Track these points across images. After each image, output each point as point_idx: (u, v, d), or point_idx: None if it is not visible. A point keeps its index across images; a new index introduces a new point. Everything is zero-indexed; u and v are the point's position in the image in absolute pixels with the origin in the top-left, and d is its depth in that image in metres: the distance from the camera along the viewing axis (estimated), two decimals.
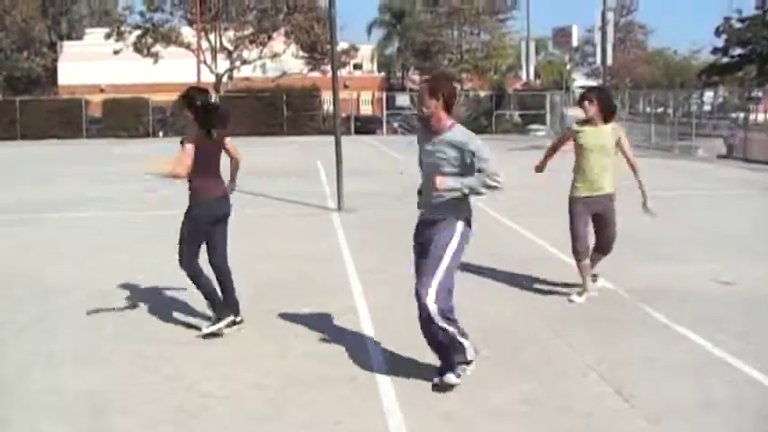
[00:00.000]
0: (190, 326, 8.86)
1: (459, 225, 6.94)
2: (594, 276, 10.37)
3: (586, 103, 9.79)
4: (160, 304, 9.71)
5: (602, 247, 10.19)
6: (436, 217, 6.99)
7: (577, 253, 9.96)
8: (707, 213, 17.52)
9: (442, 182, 6.75)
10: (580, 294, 9.98)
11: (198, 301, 9.01)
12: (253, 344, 8.28)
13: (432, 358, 7.24)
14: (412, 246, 7.28)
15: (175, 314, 9.33)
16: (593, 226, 10.07)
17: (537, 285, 10.70)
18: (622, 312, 9.47)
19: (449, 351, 6.90)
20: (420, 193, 7.23)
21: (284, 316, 9.18)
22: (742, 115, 48.17)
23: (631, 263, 11.58)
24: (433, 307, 6.65)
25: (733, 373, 7.46)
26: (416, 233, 7.21)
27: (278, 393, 6.93)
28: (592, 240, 10.12)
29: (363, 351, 8.01)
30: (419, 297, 6.73)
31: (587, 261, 10.01)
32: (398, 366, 7.49)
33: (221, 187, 8.58)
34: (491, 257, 11.87)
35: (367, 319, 9.11)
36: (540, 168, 10.61)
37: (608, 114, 9.91)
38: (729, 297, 10.19)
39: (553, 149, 10.44)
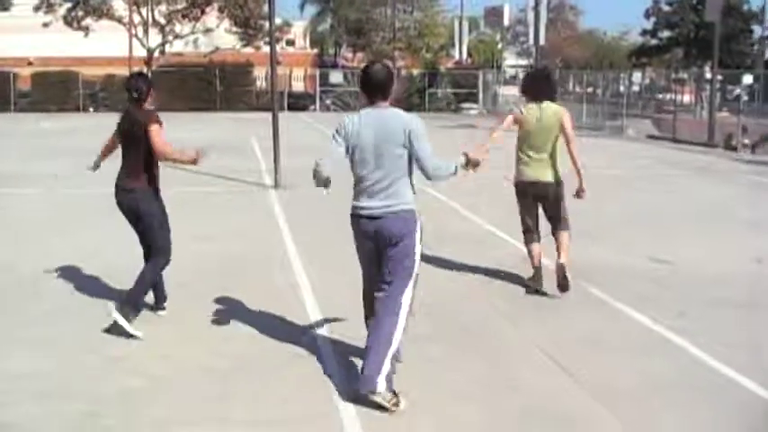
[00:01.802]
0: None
1: None
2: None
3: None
4: (100, 285, 9.56)
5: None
6: None
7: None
8: (640, 194, 17.75)
9: None
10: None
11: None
12: (197, 325, 8.19)
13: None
14: None
15: (115, 295, 9.21)
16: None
17: (477, 264, 10.76)
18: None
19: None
20: None
21: (227, 296, 9.10)
22: (668, 96, 48.90)
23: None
24: None
25: (675, 350, 7.61)
26: None
27: (225, 374, 6.88)
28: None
29: (308, 329, 8.01)
30: None
31: None
32: (344, 344, 7.49)
33: None
34: (431, 237, 11.90)
35: (310, 296, 9.11)
36: None
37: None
38: (667, 276, 10.40)
39: None
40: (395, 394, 6.17)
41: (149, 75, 54.85)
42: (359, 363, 6.74)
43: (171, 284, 8.69)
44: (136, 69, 55.45)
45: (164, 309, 8.56)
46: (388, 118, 6.58)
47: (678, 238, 12.68)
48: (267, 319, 8.31)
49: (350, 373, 6.75)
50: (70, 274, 9.99)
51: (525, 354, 7.45)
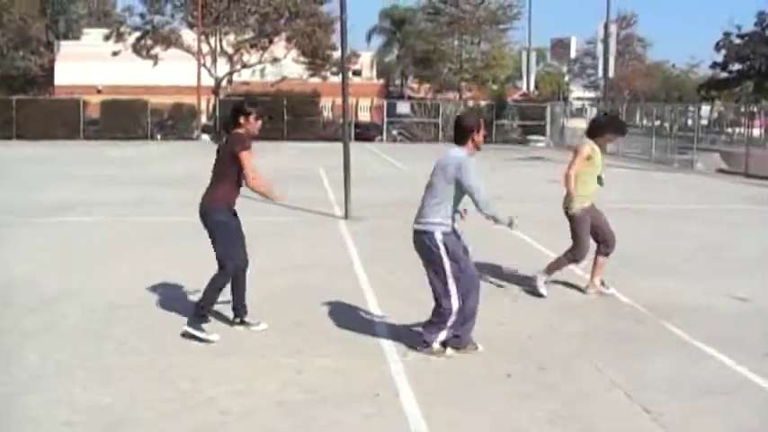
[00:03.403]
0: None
1: None
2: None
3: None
4: (170, 313, 9.54)
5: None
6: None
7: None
8: (713, 229, 17.38)
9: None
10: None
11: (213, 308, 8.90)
12: (270, 357, 8.12)
13: (456, 373, 7.19)
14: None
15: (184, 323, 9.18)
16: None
17: (550, 299, 10.59)
18: (641, 328, 9.37)
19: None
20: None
21: (300, 328, 9.04)
22: (738, 130, 48.26)
23: (643, 278, 11.48)
24: None
25: (760, 392, 7.36)
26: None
27: (299, 410, 6.77)
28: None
29: (384, 365, 7.86)
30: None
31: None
32: (421, 382, 7.36)
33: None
34: (505, 272, 11.78)
35: (384, 332, 8.96)
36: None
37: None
38: (747, 314, 10.13)
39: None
40: None
41: (212, 106, 55.27)
42: (438, 404, 6.68)
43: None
44: (204, 99, 56.03)
45: (241, 323, 8.90)
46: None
47: (755, 275, 12.38)
48: (342, 354, 8.20)
49: (429, 416, 6.59)
50: (140, 302, 9.96)
51: (604, 393, 7.25)
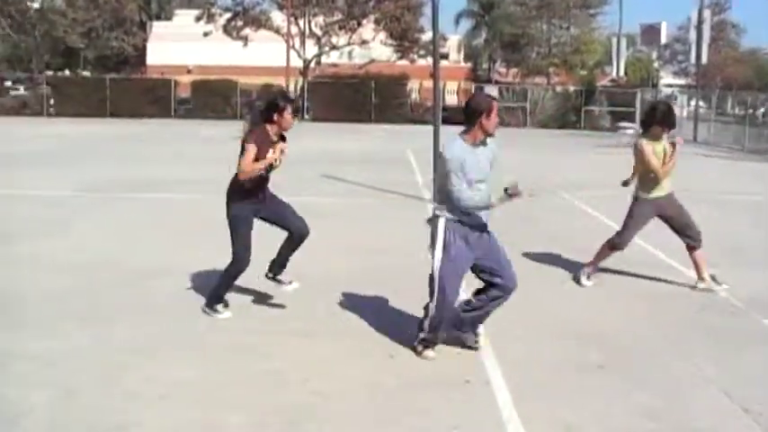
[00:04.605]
0: (296, 318, 8.75)
1: None
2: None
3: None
4: (261, 292, 9.55)
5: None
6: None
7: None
8: None
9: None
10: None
11: (300, 290, 8.92)
12: (358, 339, 8.12)
13: (547, 363, 7.12)
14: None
15: (278, 304, 9.21)
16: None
17: (645, 291, 10.41)
18: (738, 322, 9.15)
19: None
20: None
21: (391, 312, 9.04)
22: None
23: (740, 270, 11.22)
24: None
25: None
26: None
27: (390, 394, 6.75)
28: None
29: (474, 354, 7.79)
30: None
31: None
32: (512, 370, 7.29)
33: None
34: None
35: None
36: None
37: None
38: None
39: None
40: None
41: (300, 87, 55.62)
42: (530, 394, 6.68)
43: (333, 298, 8.69)
44: (293, 80, 56.35)
45: (273, 279, 8.99)
46: None
47: None
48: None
49: (521, 406, 6.52)
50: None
51: (701, 390, 7.09)
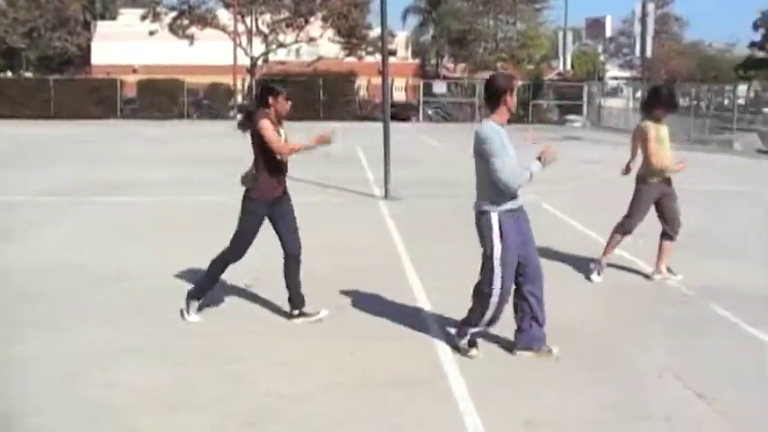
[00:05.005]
0: (257, 319, 8.73)
1: None
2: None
3: None
4: (226, 295, 9.50)
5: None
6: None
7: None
8: (758, 210, 17.18)
9: None
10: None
11: (262, 290, 8.88)
12: (320, 340, 8.09)
13: (505, 357, 7.34)
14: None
15: (240, 306, 9.20)
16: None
17: (604, 284, 10.49)
18: (691, 311, 9.29)
19: None
20: None
21: (346, 311, 9.03)
22: None
23: (690, 260, 11.33)
24: None
25: None
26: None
27: (351, 393, 6.75)
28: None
29: (431, 347, 7.83)
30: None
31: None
32: (469, 365, 7.33)
33: None
34: (552, 255, 11.66)
35: (431, 314, 8.93)
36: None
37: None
38: None
39: None
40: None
41: (247, 86, 55.35)
42: (487, 387, 6.73)
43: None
44: (240, 79, 56.09)
45: (300, 315, 8.68)
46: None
47: None
48: (390, 337, 8.18)
49: (479, 400, 6.55)
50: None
51: (657, 379, 7.15)
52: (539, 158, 7.31)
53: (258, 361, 7.47)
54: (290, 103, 8.52)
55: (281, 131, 8.46)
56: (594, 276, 10.67)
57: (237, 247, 8.54)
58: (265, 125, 8.25)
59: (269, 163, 8.39)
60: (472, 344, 7.63)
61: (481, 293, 7.49)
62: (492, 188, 7.35)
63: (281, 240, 8.62)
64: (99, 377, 7.01)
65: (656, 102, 10.44)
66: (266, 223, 8.49)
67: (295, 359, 7.55)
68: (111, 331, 8.27)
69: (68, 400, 6.51)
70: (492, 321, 7.60)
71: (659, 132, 10.35)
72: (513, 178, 7.22)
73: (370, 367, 7.32)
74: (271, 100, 8.42)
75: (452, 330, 7.91)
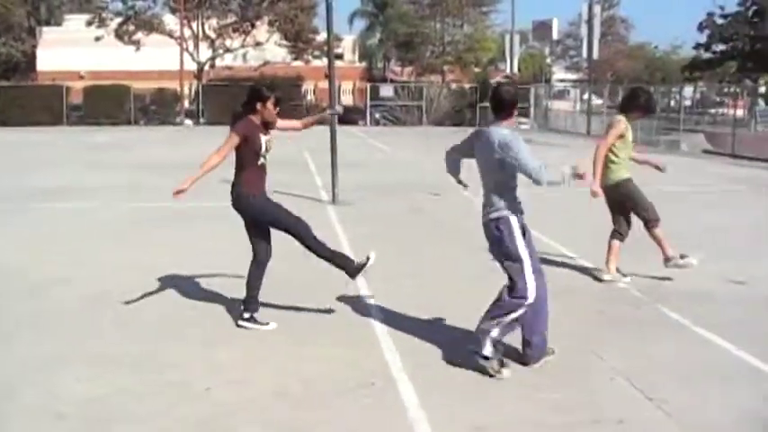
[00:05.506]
0: (195, 325, 8.58)
1: None
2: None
3: None
4: (164, 302, 9.35)
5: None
6: None
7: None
8: (704, 211, 17.30)
9: None
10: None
11: (200, 298, 8.76)
12: (264, 347, 7.98)
13: (452, 361, 7.23)
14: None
15: (178, 312, 9.04)
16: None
17: (554, 287, 10.44)
18: (639, 313, 9.28)
19: None
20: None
21: (293, 317, 8.91)
22: (721, 111, 48.29)
23: (637, 262, 11.33)
24: None
25: (761, 377, 7.29)
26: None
27: (296, 400, 6.63)
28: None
29: (379, 353, 7.75)
30: None
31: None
32: (418, 371, 7.24)
33: None
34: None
35: (379, 318, 8.86)
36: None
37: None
38: (745, 297, 10.01)
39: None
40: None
41: (194, 91, 55.08)
42: (436, 393, 6.68)
43: (236, 304, 8.55)
44: (187, 84, 55.75)
45: (247, 320, 8.52)
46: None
47: (749, 258, 12.30)
48: (338, 343, 8.08)
49: (428, 406, 6.47)
50: (135, 291, 9.68)
51: (607, 381, 7.12)
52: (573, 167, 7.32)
53: (198, 369, 7.32)
54: (278, 108, 8.42)
55: (264, 138, 8.34)
56: (625, 279, 10.65)
57: (298, 226, 8.70)
58: (233, 137, 8.17)
59: (254, 161, 8.38)
60: (502, 364, 7.26)
61: (516, 294, 7.32)
62: (508, 194, 7.37)
63: (257, 243, 8.64)
64: (36, 387, 6.84)
65: (635, 105, 10.45)
66: (238, 227, 8.38)
67: (237, 367, 7.42)
68: (47, 341, 8.09)
69: (5, 412, 6.34)
70: (511, 325, 7.39)
71: (627, 133, 10.39)
72: (544, 173, 7.07)
73: (316, 375, 7.19)
74: (258, 106, 8.29)
75: (471, 346, 7.36)
